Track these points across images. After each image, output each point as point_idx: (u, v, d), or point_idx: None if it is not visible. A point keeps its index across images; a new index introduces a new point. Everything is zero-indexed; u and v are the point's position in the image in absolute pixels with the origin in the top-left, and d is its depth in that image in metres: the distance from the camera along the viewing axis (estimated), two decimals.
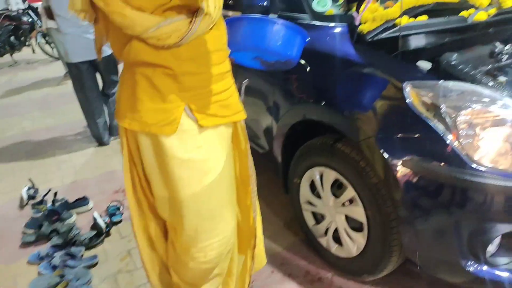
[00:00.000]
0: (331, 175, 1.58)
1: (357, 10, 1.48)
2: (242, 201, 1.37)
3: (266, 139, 2.04)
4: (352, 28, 1.52)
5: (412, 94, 1.23)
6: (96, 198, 2.42)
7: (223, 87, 1.14)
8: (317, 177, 1.67)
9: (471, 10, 1.73)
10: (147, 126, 1.09)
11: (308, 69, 1.61)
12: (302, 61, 1.64)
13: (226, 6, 1.76)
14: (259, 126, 2.07)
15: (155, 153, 1.14)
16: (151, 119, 1.08)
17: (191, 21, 1.01)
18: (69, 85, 5.02)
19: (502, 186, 1.14)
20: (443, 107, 1.18)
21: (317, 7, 1.71)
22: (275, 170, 2.01)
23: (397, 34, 1.50)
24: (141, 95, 1.07)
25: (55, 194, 2.40)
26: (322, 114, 1.56)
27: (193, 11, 1.02)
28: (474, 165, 1.13)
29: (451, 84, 1.23)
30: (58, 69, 5.78)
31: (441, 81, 1.23)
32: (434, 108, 1.20)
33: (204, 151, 1.14)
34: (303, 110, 1.68)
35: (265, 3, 1.75)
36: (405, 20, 1.57)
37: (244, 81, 1.74)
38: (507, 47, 1.78)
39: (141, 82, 1.07)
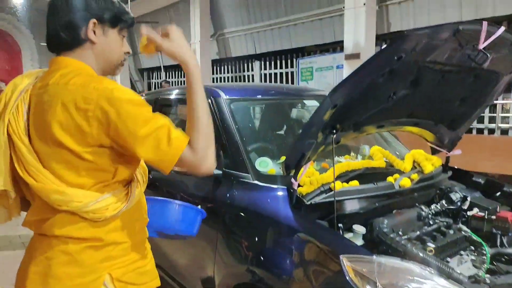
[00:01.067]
0: None
1: (295, 175, 1.57)
2: None
3: None
4: (291, 191, 1.60)
5: (348, 268, 1.24)
6: None
7: (141, 253, 1.14)
8: None
9: (396, 175, 1.92)
10: None
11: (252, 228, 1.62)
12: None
13: None
14: (196, 275, 1.96)
15: None
16: None
17: (127, 193, 1.06)
18: None
19: None
20: (379, 285, 1.19)
21: (259, 167, 1.82)
22: None
23: (332, 198, 1.59)
24: (58, 272, 1.00)
25: None
26: (263, 276, 1.51)
27: (127, 183, 1.08)
28: None
29: (384, 260, 1.27)
30: None
31: (375, 256, 1.27)
32: (369, 283, 1.20)
33: None
34: (246, 269, 1.62)
35: None
36: (338, 185, 1.69)
37: None
38: (432, 208, 1.96)
39: (59, 258, 1.00)
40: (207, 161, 0.99)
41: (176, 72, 10.97)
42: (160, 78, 11.16)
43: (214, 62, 9.31)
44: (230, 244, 1.73)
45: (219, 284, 1.76)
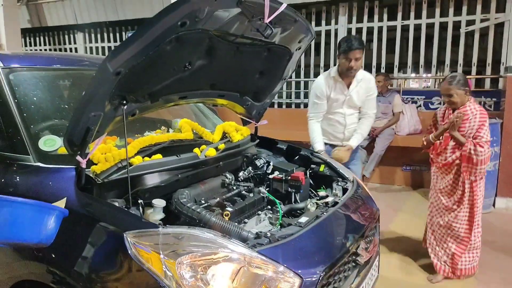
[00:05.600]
0: None
1: (82, 152, 1.40)
2: None
3: None
4: (79, 171, 1.42)
5: (133, 245, 1.18)
6: None
7: None
8: None
9: (203, 146, 1.95)
10: None
11: None
12: None
13: None
14: None
15: None
16: None
17: None
18: None
19: None
20: (162, 256, 1.16)
21: (44, 146, 1.57)
22: None
23: (130, 174, 1.50)
24: None
25: None
26: (44, 273, 1.31)
27: None
28: None
29: (171, 230, 1.25)
30: None
31: (161, 228, 1.24)
32: (155, 257, 1.17)
33: None
34: (23, 269, 1.40)
35: None
36: (138, 160, 1.60)
37: None
38: (240, 175, 2.07)
39: None
40: None
41: None
42: None
43: (26, 32, 7.89)
44: None
45: None
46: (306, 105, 6.17)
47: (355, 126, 2.94)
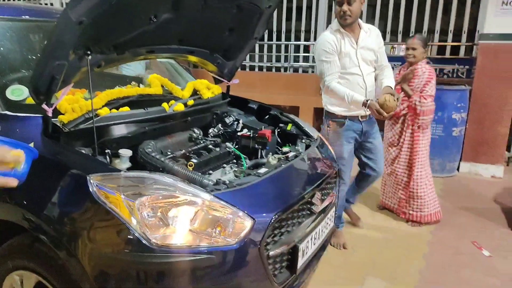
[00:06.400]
0: (31, 279, 1.41)
1: (48, 101, 1.45)
2: None
3: None
4: (46, 119, 1.48)
5: (96, 186, 1.26)
6: None
7: None
8: (18, 283, 1.45)
9: (172, 102, 2.01)
10: None
11: None
12: None
13: None
14: None
15: None
16: None
17: None
18: None
19: (189, 261, 1.27)
20: (123, 196, 1.25)
21: (11, 96, 1.61)
22: None
23: (97, 124, 1.56)
24: None
25: None
26: (14, 213, 1.40)
27: None
28: (156, 247, 1.22)
29: (132, 174, 1.33)
30: None
31: (123, 172, 1.32)
32: (117, 198, 1.25)
33: None
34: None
35: None
36: (105, 112, 1.65)
37: None
38: (210, 131, 2.15)
39: None
40: None
41: None
42: None
43: None
44: None
45: None
46: (286, 69, 6.19)
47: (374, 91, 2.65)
